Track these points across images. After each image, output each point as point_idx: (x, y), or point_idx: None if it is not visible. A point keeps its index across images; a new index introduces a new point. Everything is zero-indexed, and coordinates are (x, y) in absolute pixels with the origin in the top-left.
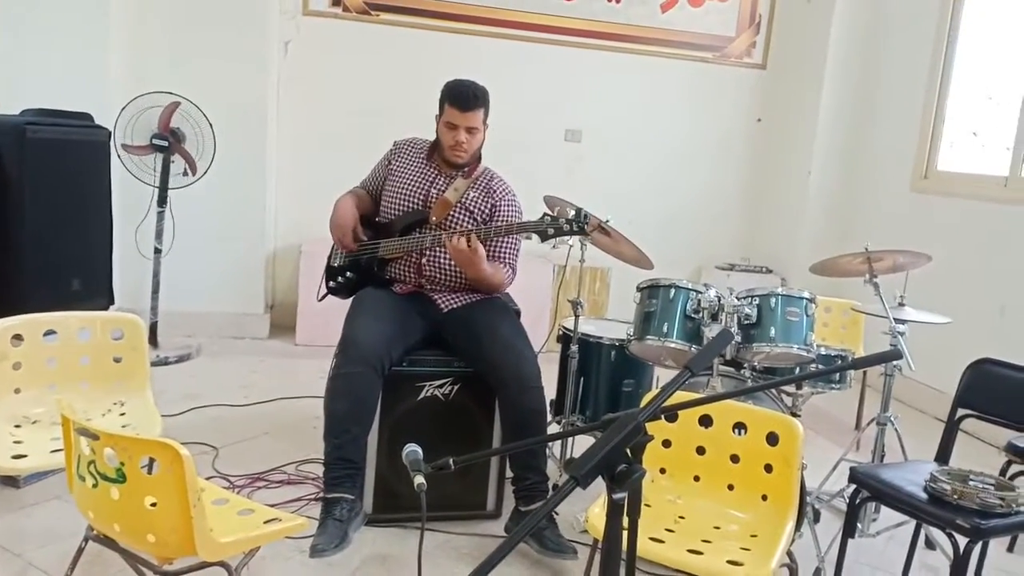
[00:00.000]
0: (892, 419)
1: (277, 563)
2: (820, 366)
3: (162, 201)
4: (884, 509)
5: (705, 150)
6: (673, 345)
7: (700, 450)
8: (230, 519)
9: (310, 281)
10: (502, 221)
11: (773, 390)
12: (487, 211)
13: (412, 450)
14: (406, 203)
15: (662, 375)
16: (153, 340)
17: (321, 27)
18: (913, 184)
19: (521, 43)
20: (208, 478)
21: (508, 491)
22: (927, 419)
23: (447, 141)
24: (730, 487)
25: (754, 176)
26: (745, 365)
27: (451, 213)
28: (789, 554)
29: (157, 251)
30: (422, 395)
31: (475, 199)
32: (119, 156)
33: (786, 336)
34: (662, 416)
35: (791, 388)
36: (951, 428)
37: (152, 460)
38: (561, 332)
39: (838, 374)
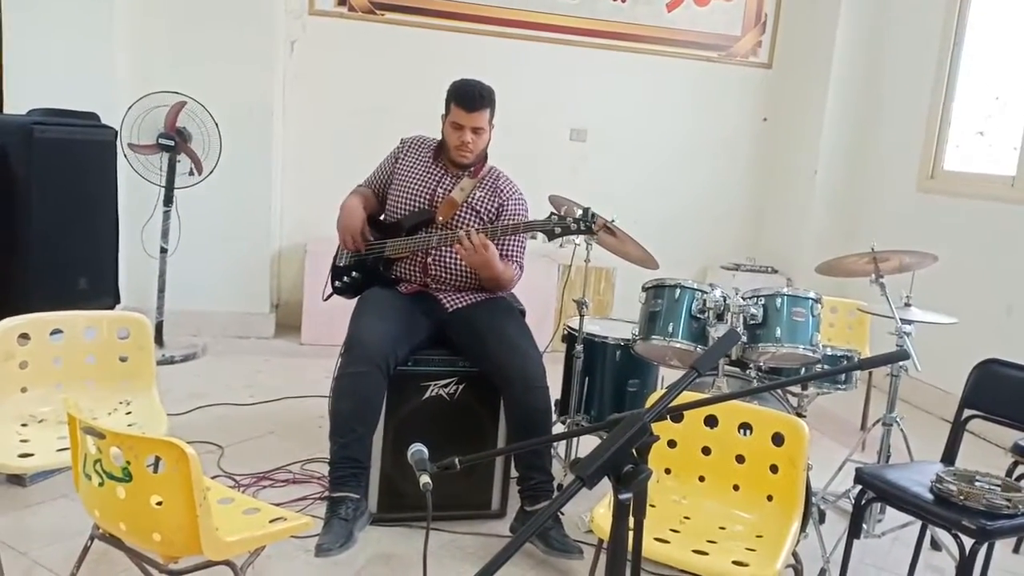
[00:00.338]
0: (898, 420)
1: (282, 562)
2: (826, 366)
3: (168, 200)
4: (890, 510)
5: (710, 150)
6: (678, 345)
7: (706, 450)
8: (235, 518)
9: (315, 280)
10: (509, 220)
11: (779, 390)
12: (494, 210)
13: (418, 449)
14: (412, 202)
15: (667, 375)
16: (159, 339)
17: (327, 26)
18: (919, 184)
19: (526, 42)
20: (214, 477)
21: (513, 491)
22: (933, 420)
23: (453, 141)
24: (735, 487)
25: (760, 176)
26: (751, 365)
27: (457, 213)
28: (794, 555)
29: (163, 250)
30: (427, 395)
31: (482, 198)
32: (125, 156)
33: (792, 336)
34: (668, 416)
35: (797, 388)
36: (957, 429)
37: (158, 459)
38: (566, 332)
39: (844, 375)
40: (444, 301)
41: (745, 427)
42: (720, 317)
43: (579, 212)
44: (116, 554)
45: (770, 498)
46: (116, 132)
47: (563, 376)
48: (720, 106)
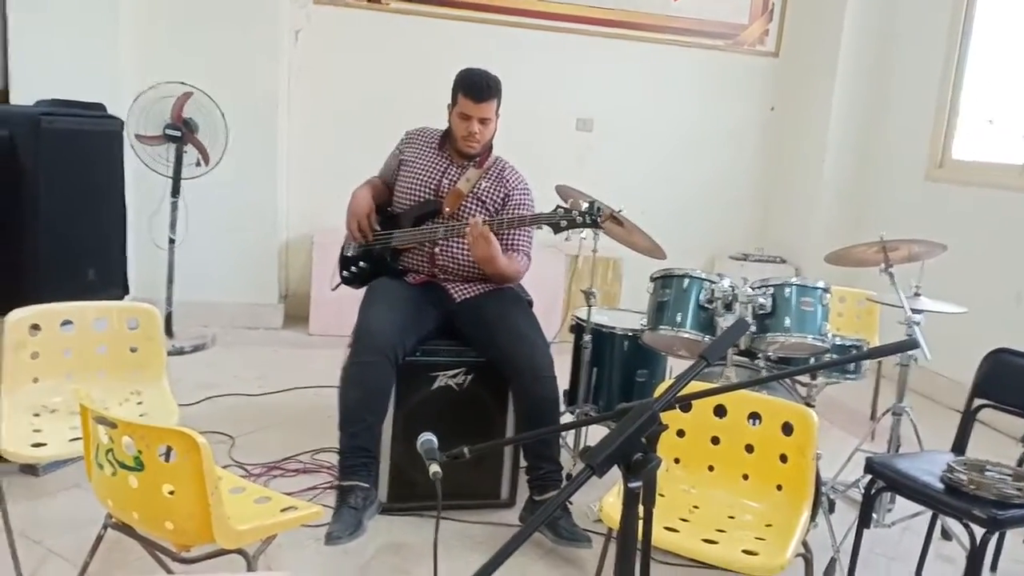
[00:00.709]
0: (908, 409)
1: (293, 551)
2: (835, 356)
3: (175, 191)
4: (900, 499)
5: (718, 139)
6: (687, 335)
7: (715, 440)
8: (247, 507)
9: (323, 271)
10: (515, 210)
11: (788, 380)
12: (500, 200)
13: (427, 439)
14: (418, 193)
15: (675, 365)
16: (168, 330)
17: (332, 16)
18: (928, 173)
19: (532, 31)
20: (224, 467)
21: (522, 480)
22: (943, 409)
23: (460, 132)
24: (745, 477)
25: (767, 165)
26: (759, 355)
27: (463, 203)
28: (804, 544)
29: (171, 241)
30: (436, 384)
31: (487, 189)
32: (132, 146)
33: (801, 326)
34: (677, 406)
35: (806, 378)
36: (967, 418)
37: (169, 448)
38: (574, 322)
39: (853, 364)
40: (452, 291)
41: (754, 417)
42: (728, 307)
43: (585, 205)
44: (129, 543)
45: (780, 487)
46: (123, 123)
47: (571, 366)
48: (727, 95)
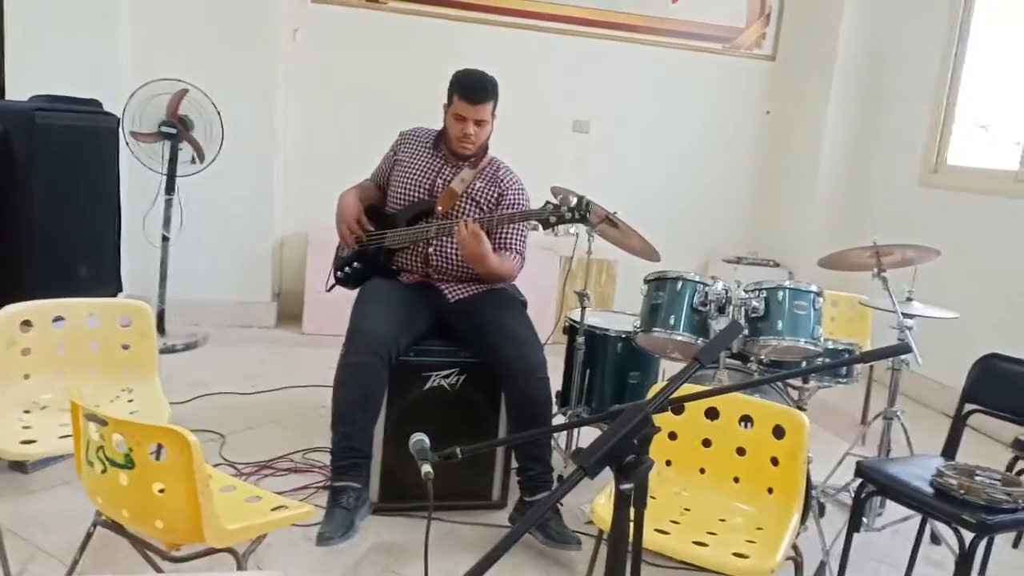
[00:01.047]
0: (899, 414)
1: (284, 550)
2: (827, 360)
3: (170, 188)
4: (889, 503)
5: (713, 142)
6: (680, 338)
7: (706, 442)
8: (237, 506)
9: (317, 270)
10: (507, 210)
11: (779, 383)
12: (493, 200)
13: (419, 439)
14: (412, 193)
15: (668, 367)
16: (160, 328)
17: (330, 15)
18: (922, 178)
19: (529, 32)
20: (215, 465)
21: (513, 482)
22: (933, 414)
23: (455, 133)
24: (736, 480)
25: (762, 168)
26: (752, 358)
27: (457, 203)
28: (794, 547)
29: (165, 239)
30: (428, 385)
31: (481, 189)
32: (127, 143)
33: (793, 330)
34: (669, 408)
35: (798, 381)
36: (958, 423)
37: (160, 446)
38: (567, 324)
39: (845, 368)
40: (446, 292)
41: (746, 420)
42: (722, 310)
43: (574, 201)
44: (118, 541)
45: (770, 491)
46: (118, 119)
47: (564, 368)
48: (723, 98)
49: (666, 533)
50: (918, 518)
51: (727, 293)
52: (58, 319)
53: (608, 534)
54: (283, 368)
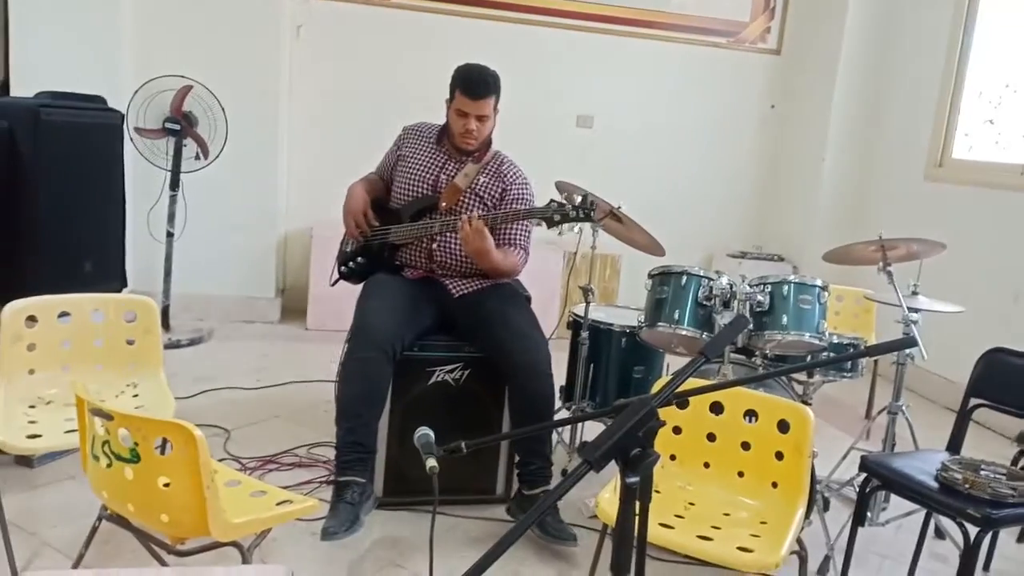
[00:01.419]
0: (903, 408)
1: (288, 544)
2: (832, 354)
3: (174, 184)
4: (894, 498)
5: (718, 136)
6: (684, 332)
7: (711, 437)
8: (242, 500)
9: (321, 265)
10: (511, 206)
11: (784, 378)
12: (497, 196)
13: (424, 433)
14: (416, 189)
15: (673, 362)
16: (165, 323)
17: (333, 10)
18: (927, 172)
19: (533, 27)
20: (220, 460)
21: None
22: (938, 408)
23: (457, 128)
24: (740, 474)
25: (767, 163)
26: (756, 353)
27: (461, 199)
28: (799, 541)
29: (169, 234)
30: (433, 380)
31: (485, 184)
32: (132, 139)
33: (798, 324)
34: (674, 402)
35: (802, 376)
36: (963, 417)
37: (165, 441)
38: (571, 318)
39: (850, 363)
40: (450, 287)
41: (751, 414)
42: (726, 304)
43: (578, 199)
44: (124, 535)
45: (775, 485)
46: (123, 116)
47: (568, 363)
48: (728, 93)
49: (671, 527)
50: (922, 512)
51: (732, 288)
52: (63, 315)
53: (614, 528)
54: (287, 363)
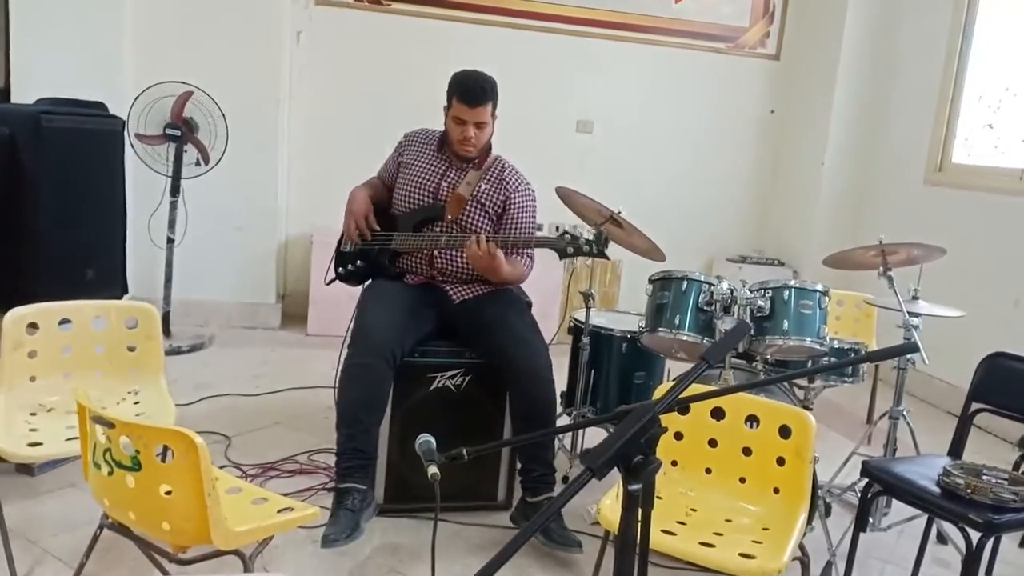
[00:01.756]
0: (905, 413)
1: (290, 552)
2: (833, 359)
3: (175, 191)
4: (896, 503)
5: (718, 141)
6: (685, 337)
7: (712, 443)
8: (244, 508)
9: (321, 271)
10: (517, 215)
11: (785, 383)
12: (500, 204)
13: (425, 440)
14: (417, 196)
15: (673, 367)
16: (166, 329)
17: (333, 16)
18: (927, 177)
19: (533, 33)
20: (221, 467)
21: (517, 482)
22: (939, 413)
23: (455, 136)
24: (742, 480)
25: (767, 168)
26: (757, 358)
27: (465, 208)
28: (801, 547)
29: (170, 240)
30: (433, 386)
31: (487, 191)
32: (132, 146)
33: (799, 329)
34: (675, 408)
35: (803, 381)
36: (964, 422)
37: (167, 448)
38: (572, 324)
39: (851, 368)
40: (451, 293)
41: (752, 419)
42: (727, 309)
43: (591, 234)
44: (125, 543)
45: (777, 491)
46: (124, 122)
47: (569, 368)
48: (727, 98)
49: (672, 534)
50: (924, 518)
51: (732, 293)
52: (64, 321)
53: (616, 535)
54: (288, 369)
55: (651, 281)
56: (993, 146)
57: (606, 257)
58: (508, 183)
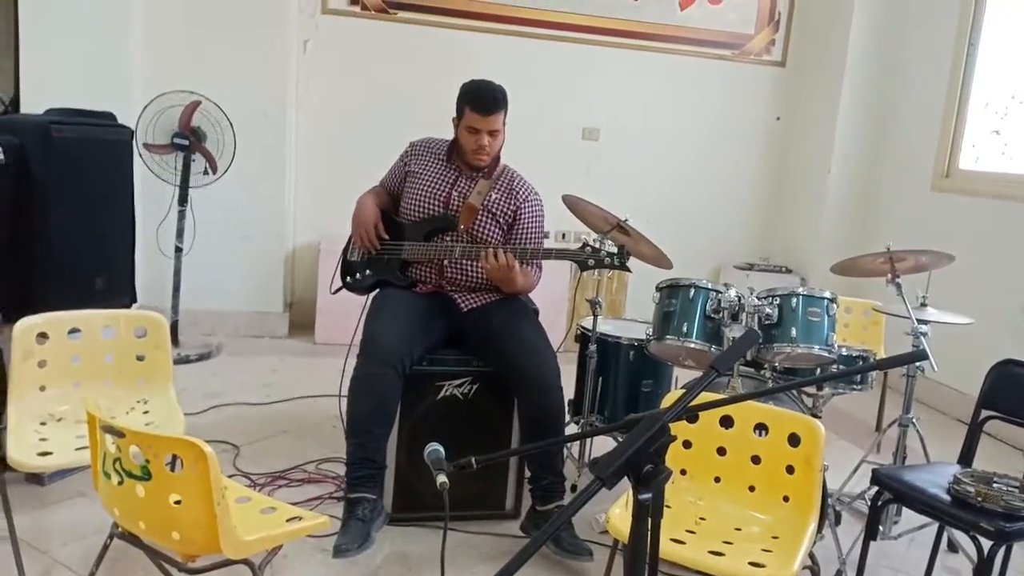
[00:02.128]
0: (914, 421)
1: (299, 561)
2: (841, 367)
3: (183, 200)
4: (906, 511)
5: (724, 149)
6: (693, 345)
7: (721, 451)
8: (253, 517)
9: (329, 280)
10: (528, 225)
11: (794, 391)
12: (510, 213)
13: (434, 449)
14: (427, 205)
15: (681, 375)
16: (174, 339)
17: (340, 26)
18: (934, 183)
19: (538, 41)
20: (230, 476)
21: (526, 491)
22: (949, 421)
23: (469, 145)
24: (751, 488)
25: (773, 175)
26: (765, 366)
27: (477, 218)
28: (811, 556)
29: (178, 250)
30: (442, 394)
31: (497, 201)
32: (141, 155)
33: (807, 337)
34: (684, 417)
35: (812, 389)
36: (974, 430)
37: (176, 458)
38: (579, 332)
39: (860, 375)
40: (459, 301)
41: (761, 428)
42: (735, 317)
43: (613, 247)
44: (135, 553)
45: (786, 499)
46: (132, 132)
47: (576, 376)
48: (733, 105)
49: (682, 543)
50: (935, 526)
51: (740, 300)
52: (74, 331)
53: (626, 544)
54: (296, 378)
55: (658, 289)
56: (1000, 152)
57: (628, 270)
58: (518, 193)
